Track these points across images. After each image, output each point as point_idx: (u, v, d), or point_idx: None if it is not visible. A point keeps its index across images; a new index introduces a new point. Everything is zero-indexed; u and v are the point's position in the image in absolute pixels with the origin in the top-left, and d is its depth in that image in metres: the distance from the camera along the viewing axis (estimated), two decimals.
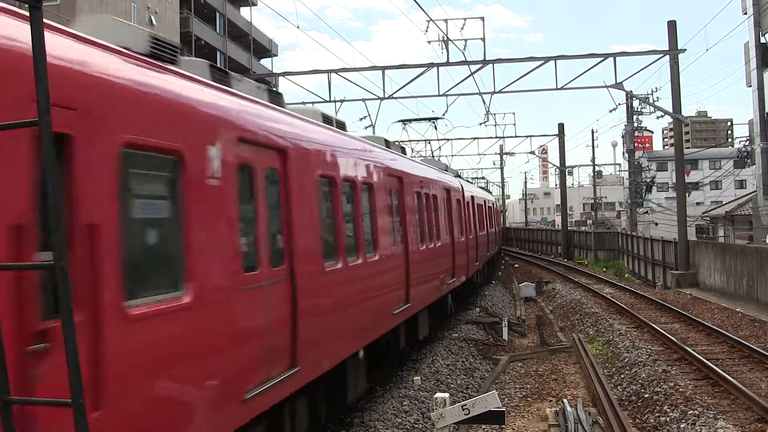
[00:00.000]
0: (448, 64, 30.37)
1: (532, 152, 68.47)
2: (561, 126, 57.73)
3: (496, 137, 73.71)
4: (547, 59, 29.73)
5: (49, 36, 3.48)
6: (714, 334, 17.89)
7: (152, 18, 42.91)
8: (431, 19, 29.55)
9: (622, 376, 14.54)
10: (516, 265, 46.90)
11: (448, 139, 53.73)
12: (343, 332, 9.16)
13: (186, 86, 5.57)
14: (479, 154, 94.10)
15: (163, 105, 5.16)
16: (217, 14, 57.71)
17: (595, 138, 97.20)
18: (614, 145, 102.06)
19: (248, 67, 59.44)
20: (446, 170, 22.85)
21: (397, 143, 15.73)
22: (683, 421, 10.64)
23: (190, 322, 5.20)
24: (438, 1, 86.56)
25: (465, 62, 30.30)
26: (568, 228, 60.58)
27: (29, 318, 3.72)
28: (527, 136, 58.74)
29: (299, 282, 7.26)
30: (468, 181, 35.93)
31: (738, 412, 11.01)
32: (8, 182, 3.65)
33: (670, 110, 32.45)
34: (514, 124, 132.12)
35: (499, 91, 31.81)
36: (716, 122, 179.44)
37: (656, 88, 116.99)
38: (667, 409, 11.39)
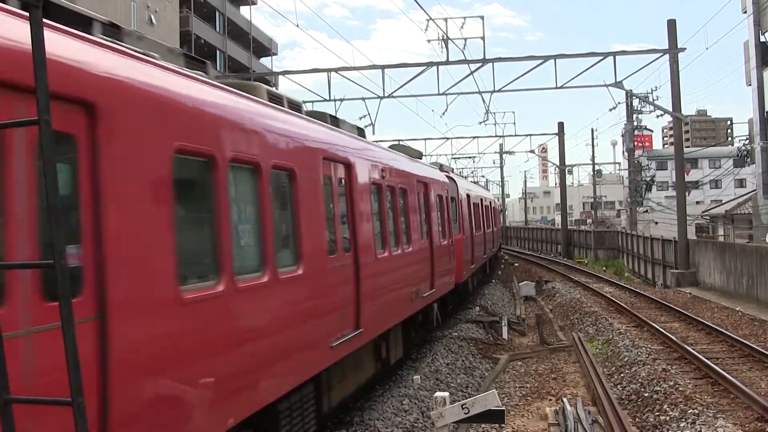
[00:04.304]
0: (447, 63, 30.35)
1: (532, 151, 68.46)
2: (561, 125, 57.75)
3: (496, 136, 73.84)
4: (546, 58, 29.72)
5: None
6: (714, 333, 17.90)
7: (152, 17, 42.88)
8: (431, 18, 29.55)
9: (622, 375, 14.55)
10: (516, 264, 46.90)
11: (447, 138, 53.88)
12: None
13: None
14: (479, 153, 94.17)
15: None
16: (217, 13, 57.71)
17: (594, 137, 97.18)
18: (614, 144, 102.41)
19: (248, 66, 59.46)
20: (420, 158, 18.34)
21: (361, 128, 12.29)
22: (683, 420, 10.65)
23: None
24: (437, 0, 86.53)
25: (465, 61, 30.29)
26: (568, 227, 60.62)
27: None
28: (527, 135, 58.79)
29: None
30: (460, 175, 33.04)
31: (738, 411, 11.01)
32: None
33: (670, 109, 32.46)
34: (514, 123, 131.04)
35: (499, 90, 31.83)
36: (716, 121, 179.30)
37: (656, 87, 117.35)
38: (667, 408, 11.40)
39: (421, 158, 18.03)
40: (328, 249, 8.55)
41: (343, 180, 9.60)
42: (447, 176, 20.34)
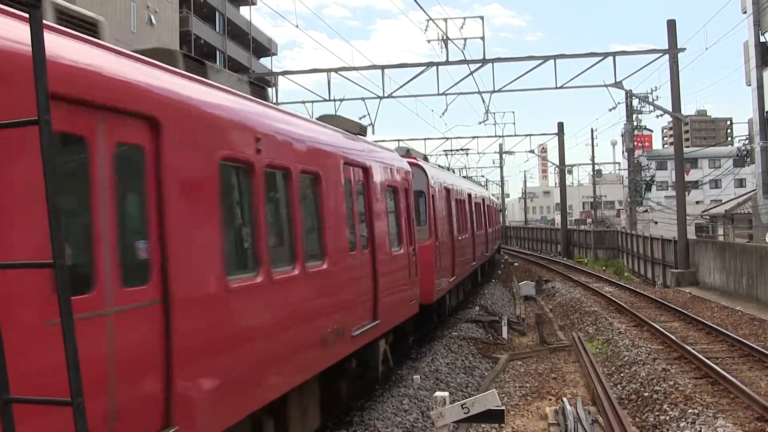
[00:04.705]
0: (447, 63, 30.35)
1: (532, 151, 68.52)
2: (560, 125, 57.80)
3: (496, 136, 73.81)
4: (546, 58, 29.74)
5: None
6: (714, 333, 17.90)
7: (152, 17, 42.86)
8: (430, 18, 29.56)
9: (622, 374, 14.55)
10: (515, 264, 46.91)
11: (447, 138, 53.82)
12: None
13: None
14: (479, 153, 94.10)
15: None
16: (217, 13, 57.72)
17: (594, 137, 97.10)
18: (614, 143, 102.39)
19: (248, 66, 59.46)
20: (364, 135, 12.66)
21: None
22: (683, 419, 10.65)
23: None
24: (437, 0, 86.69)
25: (464, 61, 30.29)
26: (568, 227, 60.64)
27: None
28: (527, 135, 58.78)
29: None
30: (440, 166, 28.23)
31: (737, 411, 11.01)
32: None
33: (670, 109, 32.48)
34: (514, 123, 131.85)
35: (499, 90, 31.86)
36: (716, 121, 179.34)
37: (656, 87, 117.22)
38: (667, 408, 11.39)
39: (364, 135, 12.73)
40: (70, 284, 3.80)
41: (140, 150, 5.14)
42: (412, 163, 15.67)
